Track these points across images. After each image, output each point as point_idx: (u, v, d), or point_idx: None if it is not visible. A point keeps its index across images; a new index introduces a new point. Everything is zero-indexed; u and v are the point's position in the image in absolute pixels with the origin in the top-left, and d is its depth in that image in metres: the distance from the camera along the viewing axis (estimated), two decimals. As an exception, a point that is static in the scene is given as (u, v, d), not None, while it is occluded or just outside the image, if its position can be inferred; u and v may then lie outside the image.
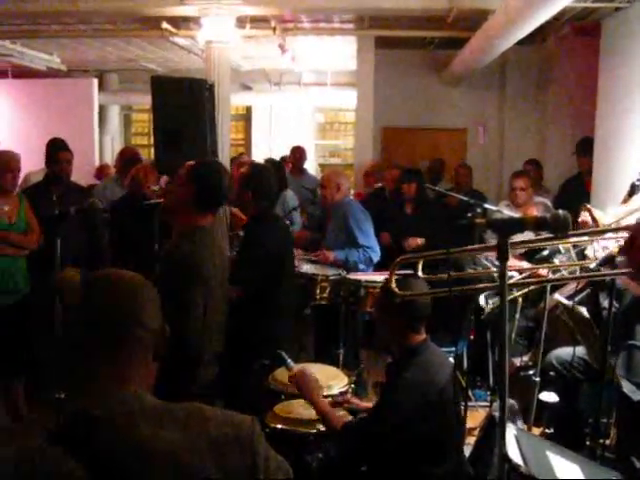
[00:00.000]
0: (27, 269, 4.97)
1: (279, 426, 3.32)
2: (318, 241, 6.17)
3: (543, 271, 4.70)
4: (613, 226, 3.60)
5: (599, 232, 3.47)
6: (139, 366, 1.57)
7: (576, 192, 6.97)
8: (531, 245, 3.69)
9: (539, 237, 2.17)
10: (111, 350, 1.54)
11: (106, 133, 13.23)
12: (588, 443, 3.73)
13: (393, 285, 2.68)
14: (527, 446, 2.50)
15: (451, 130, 9.54)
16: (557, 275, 3.79)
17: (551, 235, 2.00)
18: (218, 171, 3.37)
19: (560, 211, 1.88)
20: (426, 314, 3.17)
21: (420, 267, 2.15)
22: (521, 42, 6.71)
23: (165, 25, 7.79)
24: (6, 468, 1.35)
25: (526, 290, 4.65)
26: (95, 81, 11.01)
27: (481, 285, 3.34)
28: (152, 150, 5.76)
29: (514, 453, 2.43)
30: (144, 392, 1.53)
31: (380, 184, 7.83)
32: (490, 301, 4.86)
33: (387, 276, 3.10)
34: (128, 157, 6.93)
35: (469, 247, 2.58)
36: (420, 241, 6.27)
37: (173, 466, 1.41)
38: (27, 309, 4.91)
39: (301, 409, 3.46)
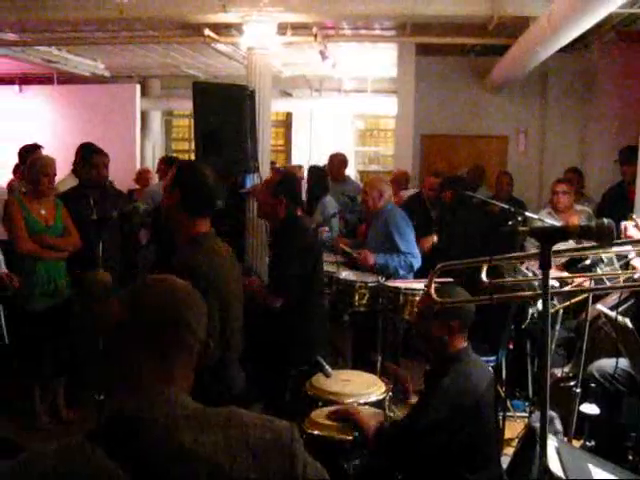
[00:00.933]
0: (68, 272, 5.03)
1: (316, 432, 3.31)
2: (359, 247, 6.15)
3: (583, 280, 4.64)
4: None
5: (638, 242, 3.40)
6: (183, 371, 1.58)
7: (618, 201, 6.87)
8: (575, 254, 3.63)
9: (583, 246, 2.14)
10: (160, 352, 1.56)
11: (148, 138, 13.40)
12: (631, 457, 3.66)
13: (432, 291, 2.67)
14: (568, 458, 2.46)
15: (491, 137, 9.47)
16: (600, 286, 3.74)
17: (594, 244, 1.97)
18: (202, 173, 3.10)
19: (605, 220, 1.85)
20: (469, 321, 3.15)
21: (484, 271, 2.11)
22: (563, 49, 6.64)
23: (207, 32, 7.87)
24: (46, 467, 1.37)
25: (568, 303, 4.60)
26: (138, 87, 11.17)
27: (522, 293, 3.31)
28: (192, 155, 5.81)
29: (555, 465, 2.39)
30: (186, 396, 1.54)
31: (414, 190, 7.83)
32: (531, 310, 4.81)
33: (452, 302, 3.10)
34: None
35: (511, 255, 2.55)
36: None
37: (213, 470, 1.41)
38: (68, 311, 4.98)
39: (332, 417, 3.44)
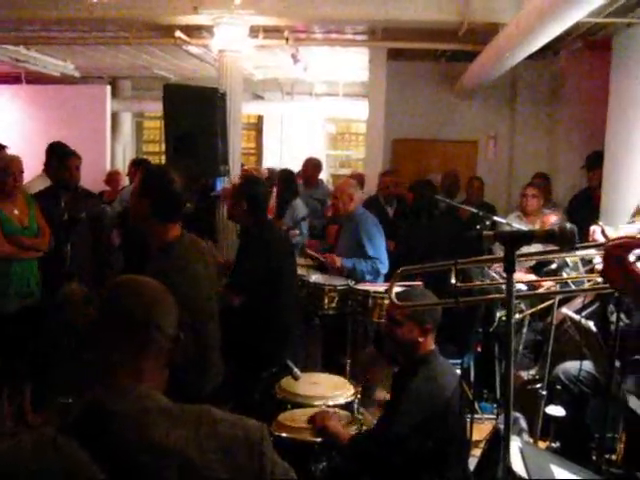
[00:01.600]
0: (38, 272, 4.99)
1: (284, 434, 3.32)
2: (328, 250, 6.18)
3: (548, 283, 4.71)
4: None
5: (601, 245, 3.44)
6: (154, 368, 1.63)
7: (585, 206, 6.99)
8: (537, 258, 3.69)
9: (547, 249, 2.17)
10: (131, 351, 1.60)
11: (118, 140, 13.31)
12: (594, 458, 3.72)
13: (393, 295, 2.70)
14: (532, 459, 2.49)
15: (461, 142, 9.53)
16: (565, 290, 3.79)
17: (557, 248, 2.00)
18: (170, 179, 3.09)
19: (567, 224, 1.89)
20: (436, 324, 3.19)
21: (453, 275, 2.13)
22: (532, 56, 6.72)
23: (178, 33, 7.84)
24: (19, 460, 1.39)
25: (535, 309, 4.67)
26: (108, 88, 11.10)
27: (488, 296, 3.35)
28: (163, 158, 5.80)
29: (518, 465, 2.43)
30: (158, 392, 1.58)
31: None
32: (498, 313, 4.86)
33: (413, 306, 3.13)
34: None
35: (477, 258, 2.58)
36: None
37: (183, 464, 1.45)
38: (38, 313, 4.94)
39: (306, 418, 3.46)
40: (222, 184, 6.96)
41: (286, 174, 7.90)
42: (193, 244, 3.22)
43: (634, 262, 1.87)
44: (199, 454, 1.46)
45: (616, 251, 1.89)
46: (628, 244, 1.89)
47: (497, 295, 3.11)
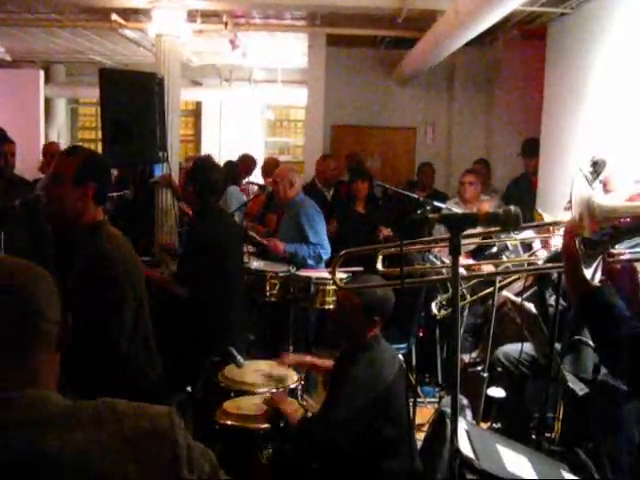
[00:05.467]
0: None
1: (229, 422, 3.30)
2: (269, 236, 6.15)
3: (489, 267, 4.79)
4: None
5: (544, 225, 3.50)
6: (45, 362, 1.41)
7: (523, 191, 7.13)
8: (482, 241, 3.73)
9: (490, 230, 2.20)
10: (14, 350, 1.37)
11: (52, 126, 12.96)
12: (534, 437, 3.80)
13: (337, 278, 2.71)
14: (478, 440, 2.53)
15: (400, 129, 9.61)
16: (505, 271, 3.85)
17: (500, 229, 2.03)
18: (107, 162, 3.13)
19: (512, 207, 1.91)
20: (386, 318, 3.20)
21: (380, 260, 2.14)
22: (470, 44, 6.80)
23: (114, 17, 7.66)
24: None
25: (476, 297, 4.73)
26: (41, 72, 10.80)
27: (434, 278, 3.37)
28: (99, 145, 5.65)
29: (466, 448, 2.46)
30: (51, 393, 1.39)
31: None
32: (439, 297, 4.92)
33: (356, 287, 3.14)
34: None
35: (422, 239, 2.60)
36: (387, 231, 6.35)
37: (85, 473, 1.30)
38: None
39: (250, 405, 3.44)
40: (161, 171, 6.85)
41: (228, 163, 8.02)
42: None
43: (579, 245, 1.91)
44: (103, 458, 1.32)
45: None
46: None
47: (443, 276, 3.13)
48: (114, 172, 5.56)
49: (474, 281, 4.63)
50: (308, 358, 3.99)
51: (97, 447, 1.31)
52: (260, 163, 9.36)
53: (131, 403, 1.43)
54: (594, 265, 1.86)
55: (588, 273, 1.85)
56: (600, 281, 1.88)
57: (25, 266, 1.45)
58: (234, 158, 9.00)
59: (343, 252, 2.55)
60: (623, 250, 2.07)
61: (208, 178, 4.41)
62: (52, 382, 1.42)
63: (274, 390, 3.57)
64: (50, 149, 8.24)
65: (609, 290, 1.83)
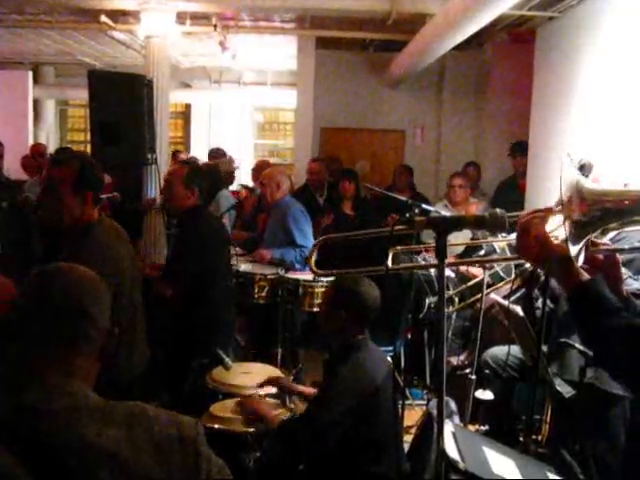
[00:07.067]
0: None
1: (216, 426, 3.28)
2: (255, 241, 6.15)
3: (478, 271, 4.80)
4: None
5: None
6: (85, 364, 1.53)
7: (511, 193, 7.17)
8: (469, 243, 3.75)
9: (476, 234, 2.21)
10: (61, 344, 1.50)
11: (41, 128, 12.91)
12: (521, 439, 3.81)
13: (312, 263, 2.72)
14: (464, 442, 2.53)
15: (389, 131, 9.62)
16: (493, 274, 3.86)
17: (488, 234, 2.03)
18: (99, 166, 3.10)
19: (498, 210, 1.91)
20: (373, 317, 3.20)
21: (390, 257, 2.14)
22: (459, 47, 6.82)
23: (104, 18, 7.64)
24: None
25: (464, 304, 4.74)
26: (30, 74, 10.75)
27: (420, 264, 3.35)
28: (89, 147, 5.64)
29: (452, 450, 2.46)
30: (89, 389, 1.51)
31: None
32: (427, 300, 4.93)
33: (334, 274, 3.14)
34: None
35: (410, 247, 2.61)
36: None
37: (115, 465, 1.39)
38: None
39: (238, 409, 3.43)
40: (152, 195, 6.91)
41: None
42: (113, 228, 3.15)
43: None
44: (133, 455, 1.41)
45: (531, 224, 1.93)
46: (541, 215, 1.95)
47: (430, 264, 3.14)
48: (108, 179, 5.54)
49: (463, 287, 4.65)
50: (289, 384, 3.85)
51: (128, 445, 1.42)
52: (250, 165, 9.33)
53: (161, 410, 1.54)
54: (579, 246, 1.86)
55: (574, 250, 1.84)
56: (588, 272, 1.87)
57: (84, 272, 1.62)
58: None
59: (322, 238, 2.55)
60: (607, 241, 2.08)
61: (207, 182, 4.43)
62: (89, 384, 1.53)
63: (262, 392, 3.56)
64: (37, 150, 8.23)
65: (601, 281, 1.83)
